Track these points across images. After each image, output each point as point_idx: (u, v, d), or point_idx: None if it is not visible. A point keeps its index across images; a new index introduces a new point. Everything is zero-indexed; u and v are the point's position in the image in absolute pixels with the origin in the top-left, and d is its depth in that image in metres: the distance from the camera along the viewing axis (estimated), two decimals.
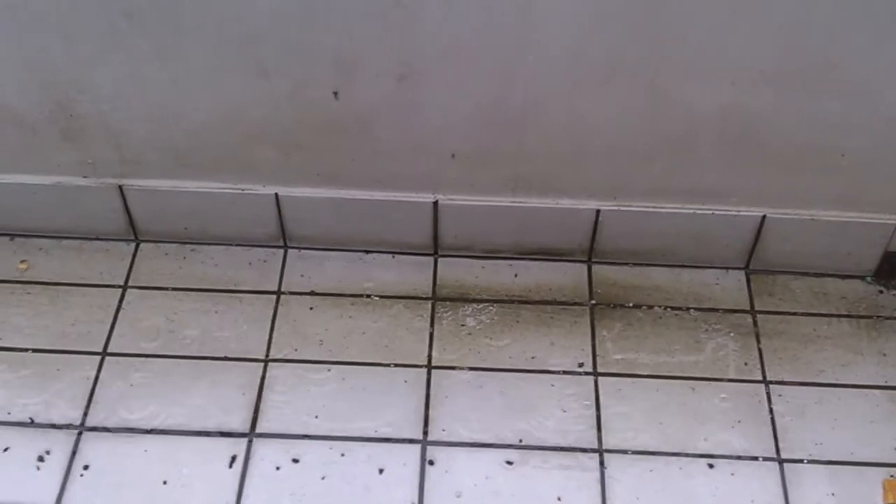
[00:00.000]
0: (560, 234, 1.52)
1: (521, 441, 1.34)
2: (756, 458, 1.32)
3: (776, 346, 1.45)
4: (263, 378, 1.40)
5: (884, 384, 1.40)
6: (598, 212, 1.48)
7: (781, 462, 1.32)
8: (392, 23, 1.21)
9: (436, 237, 1.55)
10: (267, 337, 1.46)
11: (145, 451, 1.32)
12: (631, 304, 1.51)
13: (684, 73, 1.25)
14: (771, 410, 1.37)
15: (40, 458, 1.31)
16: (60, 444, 1.33)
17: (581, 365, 1.42)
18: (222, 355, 1.43)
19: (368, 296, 1.52)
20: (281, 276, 1.54)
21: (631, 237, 1.52)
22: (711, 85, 1.27)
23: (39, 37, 1.26)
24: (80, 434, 1.34)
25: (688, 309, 1.50)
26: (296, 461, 1.31)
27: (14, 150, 1.44)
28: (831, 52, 1.21)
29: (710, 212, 1.47)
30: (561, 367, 1.42)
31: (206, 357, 1.43)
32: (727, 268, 1.56)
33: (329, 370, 1.42)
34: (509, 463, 1.32)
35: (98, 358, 1.43)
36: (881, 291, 1.53)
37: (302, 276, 1.54)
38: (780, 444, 1.34)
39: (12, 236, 1.59)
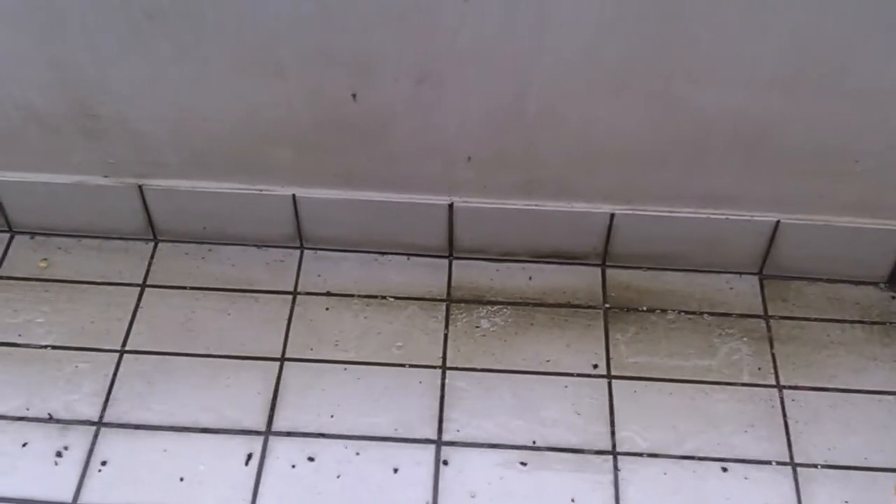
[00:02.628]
0: (574, 238, 1.53)
1: (534, 442, 1.34)
2: (769, 463, 1.32)
3: (789, 351, 1.46)
4: (279, 377, 1.42)
5: None
6: (612, 216, 1.49)
7: (795, 466, 1.32)
8: (411, 26, 1.22)
9: (451, 239, 1.56)
10: (283, 337, 1.47)
11: (162, 447, 1.33)
12: (645, 308, 1.51)
13: (698, 78, 1.26)
14: (784, 415, 1.38)
15: (58, 454, 1.33)
16: (79, 440, 1.34)
17: (595, 367, 1.43)
18: (239, 354, 1.44)
19: (384, 297, 1.53)
20: (297, 277, 1.55)
21: (645, 241, 1.53)
22: (725, 90, 1.27)
23: (62, 37, 1.28)
24: (98, 430, 1.35)
25: (701, 313, 1.51)
26: (311, 460, 1.33)
27: (35, 149, 1.46)
28: (844, 58, 1.22)
29: (724, 217, 1.47)
30: (575, 369, 1.43)
31: (223, 356, 1.44)
32: (741, 273, 1.56)
33: (345, 370, 1.43)
34: (523, 464, 1.32)
35: (116, 355, 1.44)
36: (894, 297, 1.53)
37: (318, 276, 1.55)
38: (794, 449, 1.34)
39: (33, 235, 1.61)
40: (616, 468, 1.32)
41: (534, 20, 1.20)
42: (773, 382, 1.42)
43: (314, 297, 1.53)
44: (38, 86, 1.35)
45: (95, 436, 1.35)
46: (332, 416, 1.37)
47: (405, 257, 1.58)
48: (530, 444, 1.34)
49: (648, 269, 1.57)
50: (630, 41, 1.22)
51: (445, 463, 1.32)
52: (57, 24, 1.26)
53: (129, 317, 1.49)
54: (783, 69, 1.24)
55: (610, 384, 1.41)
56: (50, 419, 1.37)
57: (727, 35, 1.20)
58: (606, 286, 1.54)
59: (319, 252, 1.59)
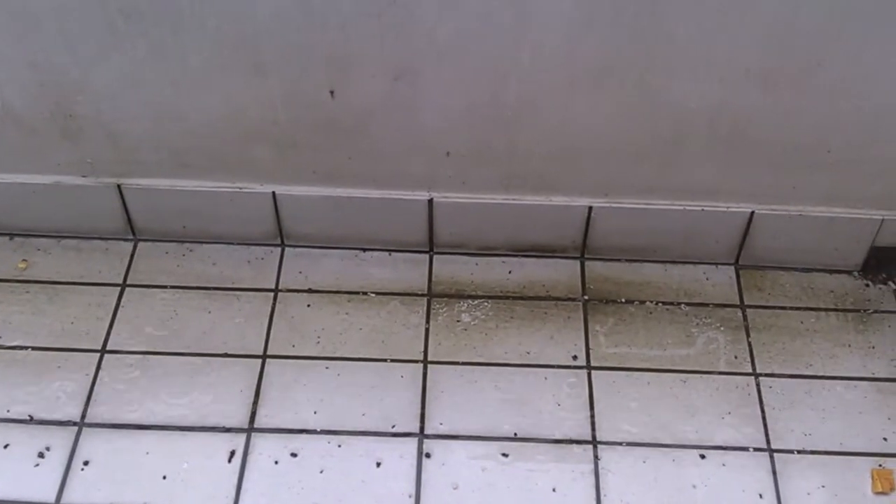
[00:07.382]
0: (553, 231, 1.55)
1: (516, 434, 1.36)
2: (746, 449, 1.34)
3: (765, 339, 1.48)
4: (261, 374, 1.42)
5: (871, 376, 1.43)
6: (590, 209, 1.50)
7: (772, 452, 1.34)
8: (388, 23, 1.23)
9: (431, 235, 1.57)
10: (265, 334, 1.47)
11: (145, 446, 1.33)
12: (623, 300, 1.53)
13: (674, 72, 1.28)
14: (761, 402, 1.40)
15: (40, 455, 1.33)
16: (60, 440, 1.34)
17: (575, 359, 1.45)
18: (221, 352, 1.45)
19: (365, 293, 1.53)
20: (278, 274, 1.56)
21: (623, 234, 1.54)
22: (700, 83, 1.29)
23: (39, 37, 1.28)
24: (79, 430, 1.35)
25: (679, 304, 1.53)
26: (294, 455, 1.33)
27: (14, 149, 1.45)
28: (817, 51, 1.24)
29: (699, 208, 1.49)
30: (555, 361, 1.44)
31: (205, 354, 1.44)
32: (717, 263, 1.58)
33: (326, 366, 1.43)
34: (505, 455, 1.33)
35: (97, 355, 1.44)
36: (867, 285, 1.56)
37: (299, 273, 1.56)
38: (771, 435, 1.36)
39: (12, 236, 1.60)
40: (596, 457, 1.33)
41: (511, 16, 1.21)
42: (750, 370, 1.44)
43: (295, 294, 1.53)
44: (15, 86, 1.35)
45: (77, 436, 1.35)
46: (314, 412, 1.38)
47: (386, 253, 1.59)
48: (512, 435, 1.36)
49: (626, 261, 1.58)
50: (607, 36, 1.23)
51: (428, 456, 1.33)
52: (34, 25, 1.26)
53: (110, 317, 1.49)
54: (758, 63, 1.26)
55: (590, 375, 1.43)
56: (31, 420, 1.36)
57: (702, 30, 1.22)
58: (585, 278, 1.56)
59: (300, 249, 1.59)
